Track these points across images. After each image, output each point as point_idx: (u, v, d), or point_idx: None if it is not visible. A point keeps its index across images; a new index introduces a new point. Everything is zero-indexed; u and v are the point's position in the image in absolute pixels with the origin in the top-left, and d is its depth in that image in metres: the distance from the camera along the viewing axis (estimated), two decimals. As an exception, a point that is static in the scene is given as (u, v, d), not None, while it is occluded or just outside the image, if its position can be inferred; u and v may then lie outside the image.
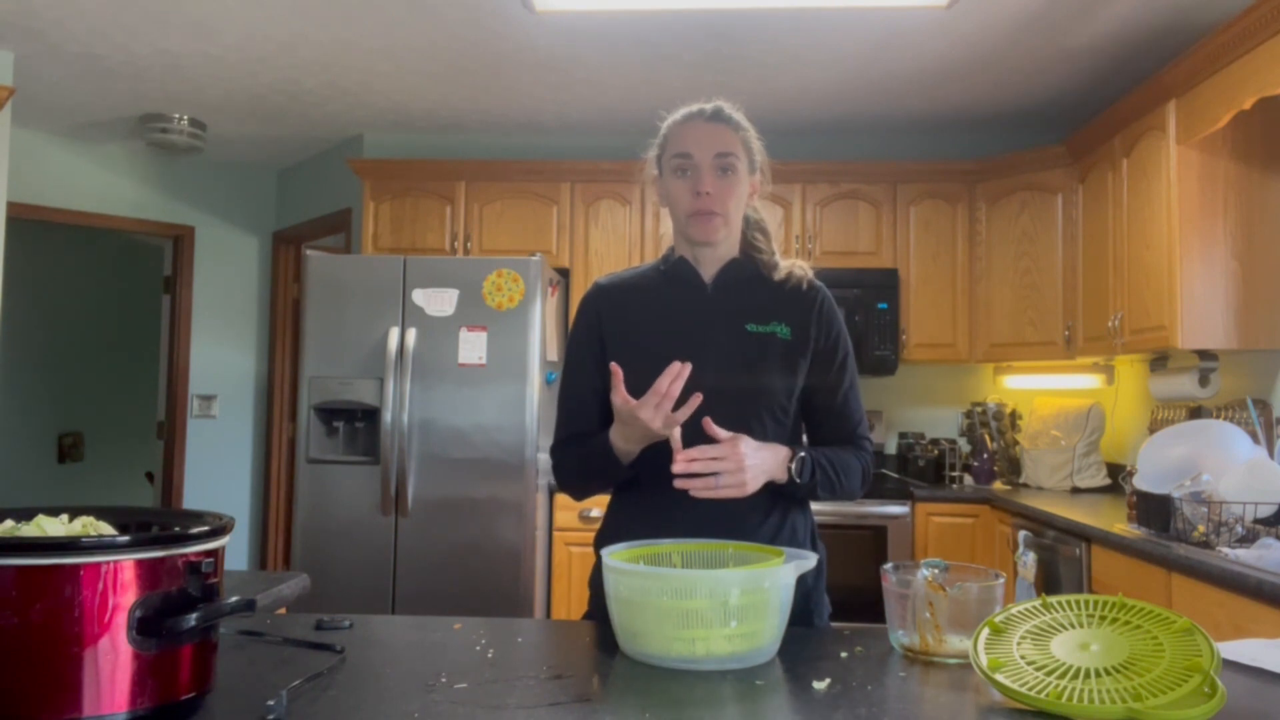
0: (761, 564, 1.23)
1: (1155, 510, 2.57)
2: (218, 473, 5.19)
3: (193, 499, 5.09)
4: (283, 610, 1.72)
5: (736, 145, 1.54)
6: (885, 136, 4.51)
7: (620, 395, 1.40)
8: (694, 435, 1.42)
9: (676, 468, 1.36)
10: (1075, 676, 1.01)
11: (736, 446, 1.38)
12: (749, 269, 1.61)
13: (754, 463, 1.39)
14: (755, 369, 1.53)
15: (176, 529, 0.96)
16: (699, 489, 1.37)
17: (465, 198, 4.30)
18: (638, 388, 1.51)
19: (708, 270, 1.60)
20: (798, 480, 1.46)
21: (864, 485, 1.58)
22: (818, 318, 1.58)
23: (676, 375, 1.36)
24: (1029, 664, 1.05)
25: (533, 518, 3.54)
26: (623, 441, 1.46)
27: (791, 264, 1.62)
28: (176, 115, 4.37)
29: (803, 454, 1.48)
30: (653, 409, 1.36)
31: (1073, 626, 1.10)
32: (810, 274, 1.62)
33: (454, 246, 4.27)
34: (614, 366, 1.40)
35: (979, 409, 4.20)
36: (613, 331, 1.60)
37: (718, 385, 1.48)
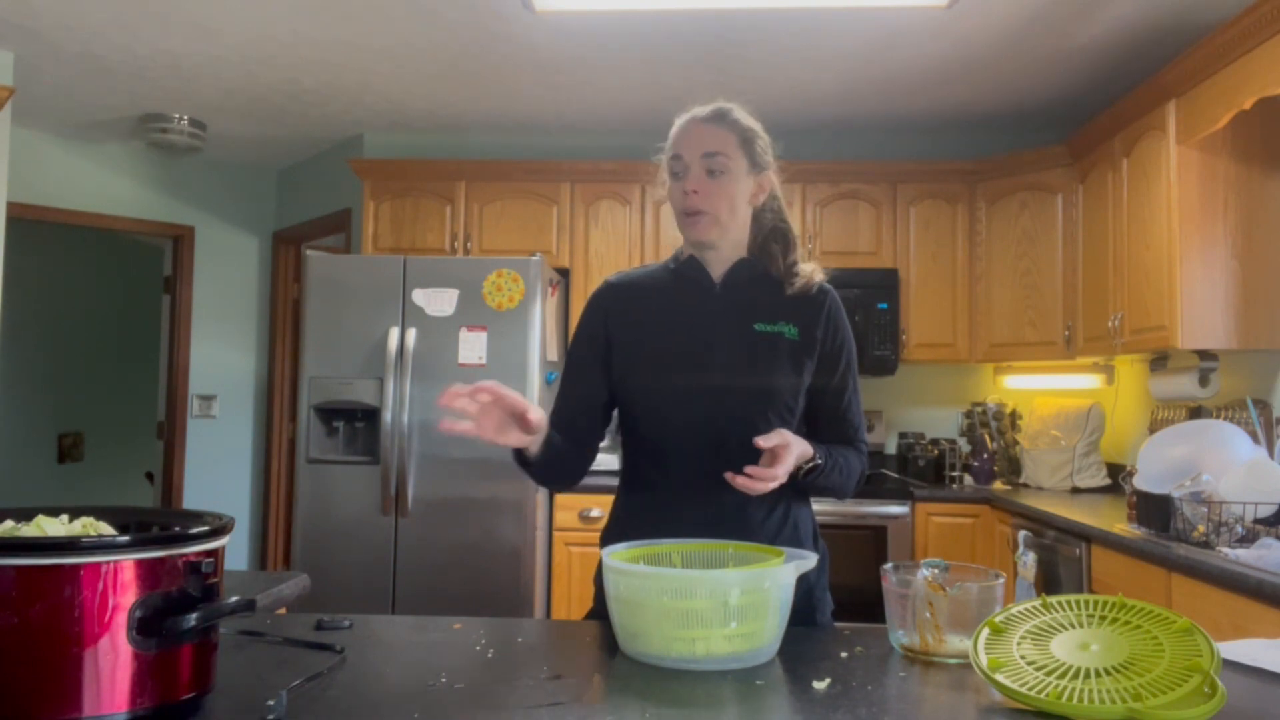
0: (761, 564, 1.23)
1: (1155, 510, 2.57)
2: (218, 473, 5.18)
3: (193, 499, 5.09)
4: (283, 610, 1.72)
5: (729, 145, 1.52)
6: (885, 136, 4.50)
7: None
8: (698, 430, 1.47)
9: (739, 479, 1.36)
10: (1075, 676, 1.01)
11: (788, 463, 1.39)
12: (758, 269, 1.61)
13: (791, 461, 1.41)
14: (763, 368, 1.53)
15: (176, 529, 0.96)
16: (745, 486, 1.37)
17: (465, 198, 4.30)
18: (645, 386, 1.54)
19: (717, 269, 1.60)
20: (807, 477, 1.48)
21: (857, 488, 1.61)
22: (825, 319, 1.58)
23: (455, 395, 1.35)
24: (1029, 664, 1.05)
25: (533, 518, 3.54)
26: None
27: (812, 269, 1.61)
28: (176, 115, 4.37)
29: (820, 451, 1.49)
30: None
31: (1073, 626, 1.10)
32: (822, 277, 1.62)
33: (454, 246, 4.27)
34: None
35: (979, 409, 4.20)
36: (620, 329, 1.60)
37: (725, 384, 1.50)
